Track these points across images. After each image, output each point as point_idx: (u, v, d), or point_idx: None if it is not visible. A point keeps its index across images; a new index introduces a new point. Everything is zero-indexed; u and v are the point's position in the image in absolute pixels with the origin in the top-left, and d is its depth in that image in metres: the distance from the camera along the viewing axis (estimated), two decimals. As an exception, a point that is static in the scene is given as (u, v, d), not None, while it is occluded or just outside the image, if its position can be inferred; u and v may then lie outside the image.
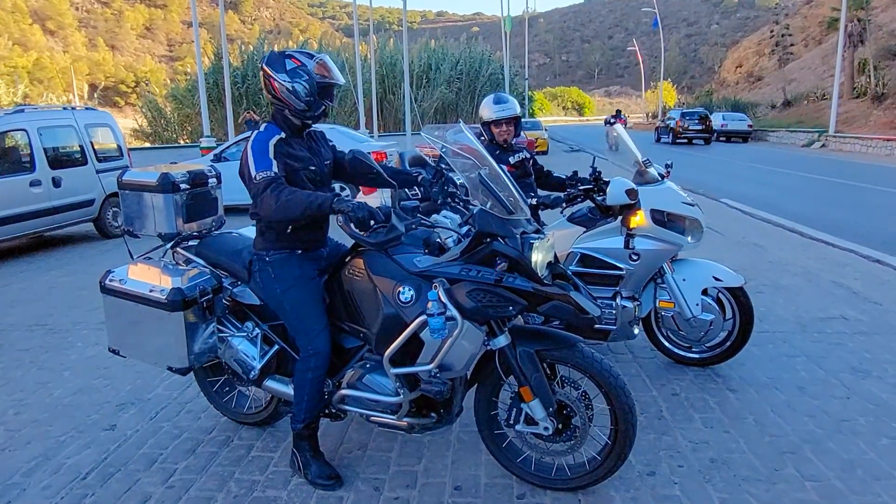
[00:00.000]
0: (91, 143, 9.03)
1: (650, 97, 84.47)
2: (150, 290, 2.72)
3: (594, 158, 4.14)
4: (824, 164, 19.27)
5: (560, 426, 2.57)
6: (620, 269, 3.60)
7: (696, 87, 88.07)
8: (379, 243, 2.39)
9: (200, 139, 18.16)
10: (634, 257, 3.56)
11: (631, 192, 3.51)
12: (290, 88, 2.61)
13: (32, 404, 3.66)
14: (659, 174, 3.76)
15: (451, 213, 2.78)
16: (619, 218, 3.60)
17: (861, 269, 6.37)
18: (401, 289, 2.44)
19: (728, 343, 3.84)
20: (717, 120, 33.96)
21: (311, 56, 2.67)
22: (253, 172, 2.51)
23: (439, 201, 2.77)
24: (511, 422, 2.61)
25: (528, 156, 4.11)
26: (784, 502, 2.58)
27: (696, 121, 29.66)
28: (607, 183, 3.70)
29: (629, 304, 3.57)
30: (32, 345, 4.68)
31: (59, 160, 8.53)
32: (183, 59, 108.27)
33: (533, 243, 2.39)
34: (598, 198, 3.72)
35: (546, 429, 2.53)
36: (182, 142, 29.24)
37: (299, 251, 2.76)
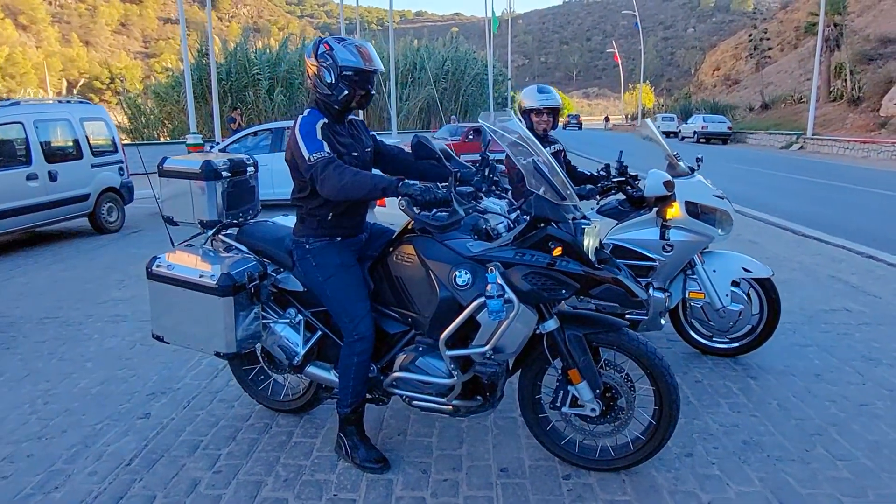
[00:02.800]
0: (86, 136, 8.92)
1: (628, 99, 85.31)
2: (200, 276, 2.73)
3: (620, 153, 4.22)
4: (804, 165, 19.68)
5: (605, 408, 2.64)
6: (653, 259, 3.69)
7: (675, 90, 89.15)
8: (443, 226, 2.42)
9: (186, 136, 17.93)
10: (668, 248, 3.64)
11: (668, 184, 3.59)
12: (317, 73, 2.65)
13: (60, 394, 3.64)
14: (689, 167, 3.84)
15: (497, 200, 2.83)
16: (655, 209, 3.69)
17: (855, 265, 6.56)
18: (457, 273, 2.49)
19: (755, 334, 3.92)
20: (697, 122, 34.58)
21: (341, 40, 2.67)
22: (306, 154, 2.54)
23: (483, 189, 2.82)
24: (558, 404, 2.67)
25: (562, 148, 4.17)
26: (819, 480, 2.68)
27: (574, 119, 63.15)
28: (635, 177, 3.79)
29: (660, 295, 3.65)
30: (48, 337, 4.64)
31: (54, 154, 8.42)
32: (159, 55, 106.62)
33: (584, 228, 2.46)
34: (630, 190, 3.80)
35: (593, 410, 2.60)
36: (163, 139, 28.84)
37: (339, 238, 2.80)
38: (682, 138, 36.28)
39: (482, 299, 2.41)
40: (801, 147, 27.21)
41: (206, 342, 2.82)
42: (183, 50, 18.09)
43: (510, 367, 2.77)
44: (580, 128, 62.45)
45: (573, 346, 2.57)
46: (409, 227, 2.72)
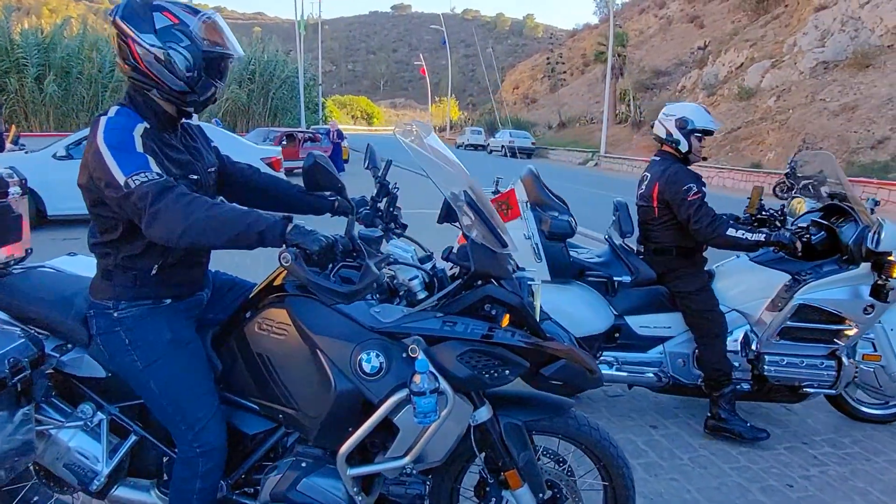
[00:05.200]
0: None
1: (435, 111, 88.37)
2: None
3: (761, 189, 3.74)
4: (601, 180, 21.20)
5: (545, 513, 2.02)
6: (847, 323, 3.20)
7: (479, 105, 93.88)
8: (351, 294, 1.59)
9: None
10: (869, 309, 3.14)
11: None
12: (163, 58, 1.73)
13: None
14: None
15: (402, 244, 2.08)
16: (869, 264, 3.15)
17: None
18: (363, 355, 1.70)
19: None
20: (504, 137, 36.33)
21: (195, 12, 1.81)
22: (119, 178, 1.59)
23: (381, 228, 2.07)
24: (488, 517, 2.00)
25: None
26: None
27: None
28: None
29: (850, 363, 3.22)
30: None
31: None
32: None
33: (531, 286, 1.83)
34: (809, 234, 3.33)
35: (536, 522, 1.97)
36: None
37: (167, 300, 1.87)
38: (491, 151, 37.80)
39: (404, 393, 1.66)
40: (596, 164, 29.60)
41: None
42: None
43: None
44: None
45: (511, 439, 1.91)
46: (279, 281, 1.88)
